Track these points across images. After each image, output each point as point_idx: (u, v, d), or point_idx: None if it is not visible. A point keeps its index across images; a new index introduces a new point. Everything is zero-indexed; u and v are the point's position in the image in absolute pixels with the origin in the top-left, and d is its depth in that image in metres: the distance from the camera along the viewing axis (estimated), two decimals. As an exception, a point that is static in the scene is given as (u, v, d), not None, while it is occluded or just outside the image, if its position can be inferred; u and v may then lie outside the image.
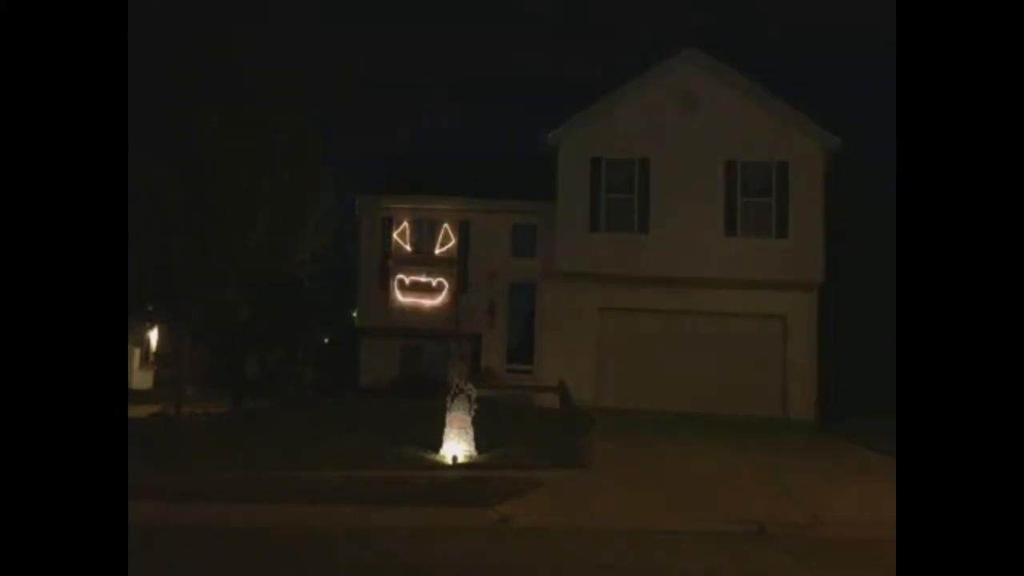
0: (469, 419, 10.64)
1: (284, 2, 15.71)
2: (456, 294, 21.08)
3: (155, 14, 13.58)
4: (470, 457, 10.50)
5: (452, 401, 10.69)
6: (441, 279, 21.27)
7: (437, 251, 21.47)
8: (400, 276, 21.37)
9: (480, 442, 10.71)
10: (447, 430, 10.62)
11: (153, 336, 27.65)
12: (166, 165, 14.10)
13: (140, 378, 26.41)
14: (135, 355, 26.34)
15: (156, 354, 28.05)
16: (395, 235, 21.61)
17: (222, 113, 14.52)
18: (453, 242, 21.41)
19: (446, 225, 21.46)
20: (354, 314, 21.92)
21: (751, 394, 18.05)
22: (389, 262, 21.51)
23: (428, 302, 21.20)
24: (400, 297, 21.31)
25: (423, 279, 21.29)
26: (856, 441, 13.84)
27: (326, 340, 27.32)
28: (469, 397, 10.69)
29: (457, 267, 21.28)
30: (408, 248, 21.57)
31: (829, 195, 19.03)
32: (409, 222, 21.63)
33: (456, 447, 10.53)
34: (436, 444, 10.68)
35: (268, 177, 15.12)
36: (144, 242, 13.25)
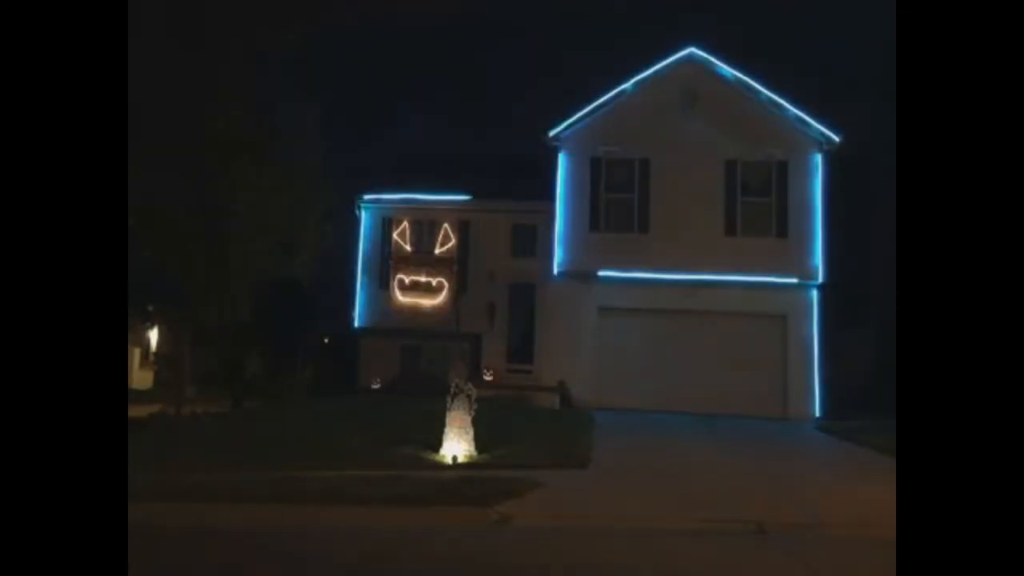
0: (469, 419, 10.64)
1: (284, 2, 15.73)
2: (456, 294, 21.09)
3: (158, 14, 13.57)
4: (470, 457, 10.50)
5: (452, 401, 10.69)
6: (441, 279, 21.28)
7: (437, 251, 21.49)
8: (400, 276, 21.38)
9: (480, 442, 10.71)
10: (447, 430, 10.62)
11: (153, 336, 27.65)
12: (169, 166, 14.09)
13: (140, 378, 26.41)
14: (135, 355, 26.34)
15: (156, 354, 28.05)
16: (395, 235, 21.63)
17: (224, 114, 14.52)
18: (453, 242, 21.42)
19: (446, 225, 21.47)
20: (354, 314, 21.92)
21: (751, 394, 18.04)
22: (389, 262, 21.52)
23: (428, 302, 21.21)
24: (400, 297, 21.32)
25: (423, 279, 21.31)
26: (856, 441, 13.82)
27: (326, 340, 27.31)
28: (469, 397, 10.69)
29: (457, 267, 21.29)
30: (408, 248, 21.58)
31: (829, 195, 19.04)
32: (409, 222, 21.64)
33: (456, 447, 10.52)
34: (436, 444, 10.67)
35: (269, 178, 15.12)
36: (145, 242, 13.25)
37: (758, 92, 19.36)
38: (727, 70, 19.55)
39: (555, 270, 19.44)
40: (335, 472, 9.36)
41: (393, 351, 21.13)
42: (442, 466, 10.21)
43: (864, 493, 9.21)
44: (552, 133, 19.39)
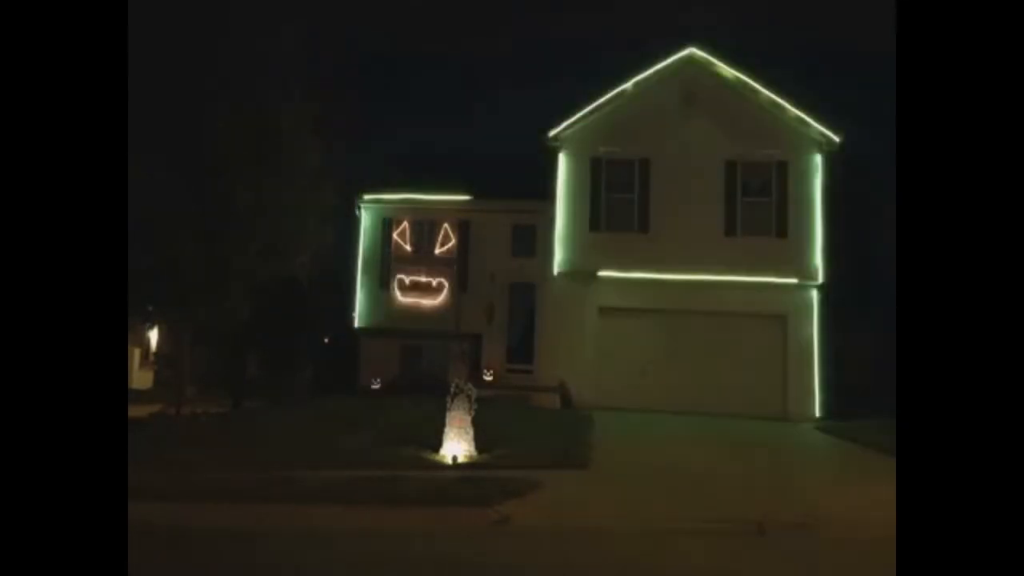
0: (469, 419, 10.65)
1: (284, 3, 15.74)
2: (456, 294, 21.09)
3: (158, 15, 13.56)
4: (470, 457, 10.50)
5: (452, 401, 10.70)
6: (441, 279, 21.28)
7: (437, 251, 21.49)
8: (400, 276, 21.39)
9: (480, 442, 10.71)
10: (447, 430, 10.62)
11: (153, 336, 27.63)
12: (170, 166, 14.08)
13: (140, 378, 26.38)
14: (135, 355, 26.31)
15: (156, 354, 28.03)
16: (395, 235, 21.63)
17: (225, 114, 14.51)
18: (453, 242, 21.42)
19: (446, 225, 21.48)
20: (354, 314, 21.92)
21: (751, 394, 18.04)
22: (389, 262, 21.52)
23: (428, 302, 21.21)
24: (400, 297, 21.33)
25: (423, 279, 21.31)
26: (856, 441, 13.83)
27: (326, 340, 27.31)
28: (469, 397, 10.69)
29: (457, 267, 21.29)
30: (408, 248, 21.58)
31: (829, 194, 19.05)
32: (409, 222, 21.65)
33: (456, 447, 10.53)
34: (436, 444, 10.68)
35: (270, 178, 15.11)
36: (146, 243, 13.24)
37: (758, 92, 19.36)
38: (727, 70, 19.55)
39: (555, 270, 19.43)
40: (335, 472, 9.36)
41: (393, 351, 21.13)
42: (442, 466, 10.21)
43: (864, 493, 9.21)
44: (552, 133, 19.38)
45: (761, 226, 18.97)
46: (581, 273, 19.10)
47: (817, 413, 18.23)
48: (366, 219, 21.87)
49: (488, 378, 19.34)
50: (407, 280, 21.33)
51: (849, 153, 19.48)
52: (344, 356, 22.34)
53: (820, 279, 18.77)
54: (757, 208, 19.07)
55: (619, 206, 19.37)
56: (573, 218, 19.40)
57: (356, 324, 21.80)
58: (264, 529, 7.28)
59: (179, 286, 14.92)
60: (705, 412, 17.00)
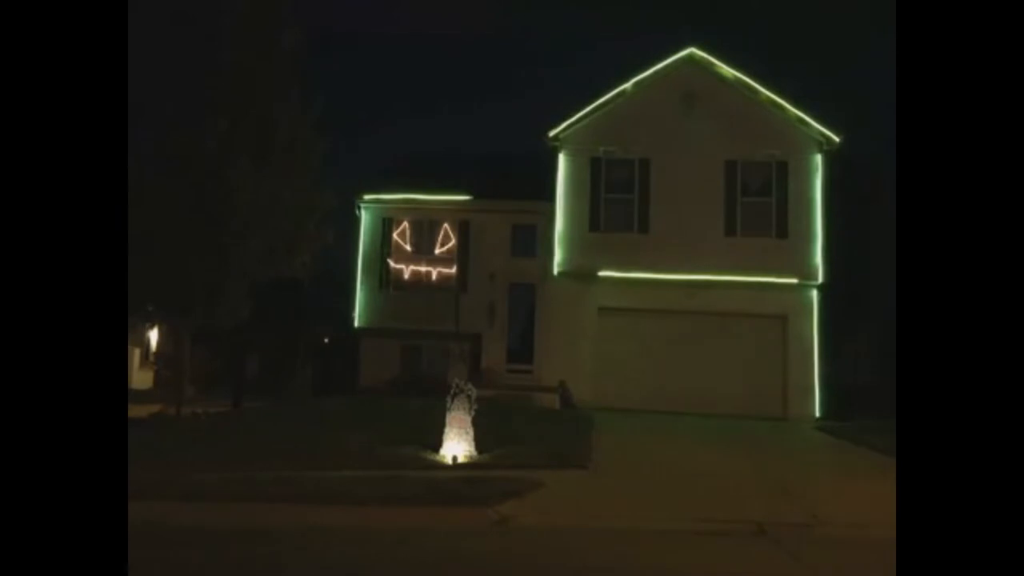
0: (469, 419, 10.65)
1: (284, 3, 15.76)
2: (456, 294, 21.08)
3: (158, 15, 13.57)
4: (470, 457, 10.50)
5: (452, 401, 10.70)
6: (441, 279, 21.26)
7: (437, 251, 21.47)
8: (400, 276, 21.38)
9: (480, 442, 10.71)
10: (447, 430, 10.62)
11: (153, 336, 27.63)
12: (170, 166, 14.08)
13: (140, 378, 26.38)
14: (135, 355, 26.32)
15: (156, 354, 28.03)
16: (395, 235, 21.62)
17: (225, 114, 14.50)
18: (453, 242, 21.41)
19: (446, 225, 21.46)
20: (354, 314, 21.92)
21: (751, 394, 18.06)
22: (389, 262, 21.52)
23: (428, 302, 21.19)
24: (400, 297, 21.31)
25: (423, 279, 21.30)
26: (856, 441, 13.83)
27: (326, 340, 27.32)
28: (469, 397, 10.69)
29: (457, 267, 21.28)
30: (408, 248, 21.57)
31: (830, 195, 19.07)
32: (409, 222, 21.64)
33: (456, 447, 10.53)
34: (436, 444, 10.68)
35: (270, 178, 15.11)
36: (146, 243, 13.24)
37: (758, 92, 19.38)
38: (727, 70, 19.56)
39: (555, 270, 19.44)
40: (335, 472, 9.37)
41: (393, 351, 21.12)
42: (442, 466, 10.21)
43: (863, 493, 9.22)
44: (552, 133, 19.40)
45: (761, 226, 18.99)
46: (581, 273, 19.12)
47: (817, 413, 18.24)
48: (366, 219, 21.86)
49: (488, 378, 19.33)
50: (407, 280, 21.33)
51: (849, 153, 19.50)
52: (344, 356, 22.35)
53: (820, 279, 18.78)
54: (757, 208, 19.09)
55: (619, 206, 19.39)
56: (573, 218, 19.41)
57: (356, 324, 21.78)
58: (264, 529, 7.28)
59: (179, 286, 14.91)
60: (705, 412, 17.02)
